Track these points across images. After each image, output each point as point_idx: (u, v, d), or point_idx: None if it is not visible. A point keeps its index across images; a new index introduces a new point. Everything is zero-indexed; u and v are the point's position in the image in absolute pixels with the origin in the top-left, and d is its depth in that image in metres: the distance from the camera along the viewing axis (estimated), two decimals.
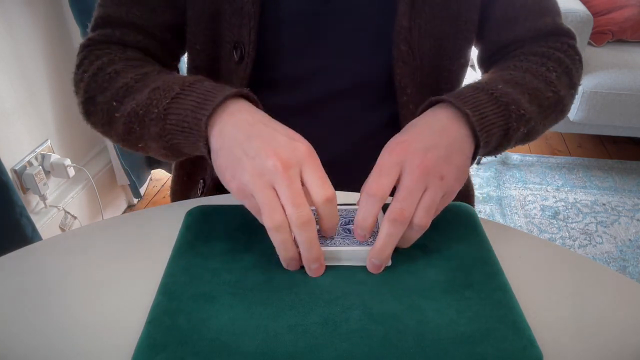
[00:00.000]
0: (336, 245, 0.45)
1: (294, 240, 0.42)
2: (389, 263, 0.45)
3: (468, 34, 0.62)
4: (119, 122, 0.51)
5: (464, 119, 0.48)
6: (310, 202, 0.42)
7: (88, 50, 0.58)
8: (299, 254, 0.43)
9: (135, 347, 0.37)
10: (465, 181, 0.48)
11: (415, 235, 0.44)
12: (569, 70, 0.60)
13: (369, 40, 0.61)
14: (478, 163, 2.08)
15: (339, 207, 0.46)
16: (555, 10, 0.64)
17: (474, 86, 0.51)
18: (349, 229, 0.47)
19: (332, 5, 0.59)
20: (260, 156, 0.41)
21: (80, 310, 0.42)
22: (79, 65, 0.58)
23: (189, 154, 0.51)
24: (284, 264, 0.44)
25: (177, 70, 0.68)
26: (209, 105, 0.45)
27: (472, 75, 2.44)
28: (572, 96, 0.60)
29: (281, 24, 0.60)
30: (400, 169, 0.44)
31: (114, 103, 0.52)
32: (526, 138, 0.55)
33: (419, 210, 0.43)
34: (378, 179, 0.43)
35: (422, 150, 0.44)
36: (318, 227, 0.44)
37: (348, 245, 0.45)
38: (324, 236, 0.45)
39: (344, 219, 0.48)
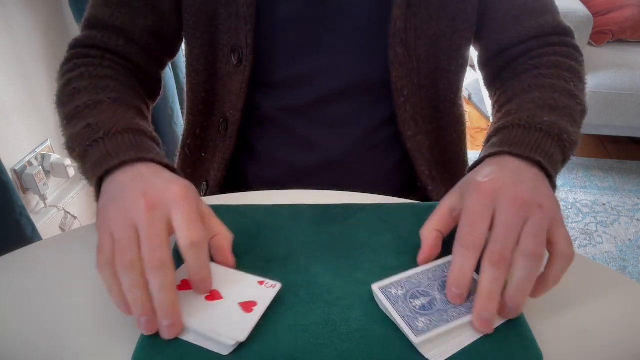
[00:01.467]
0: (452, 320, 0.38)
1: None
2: (499, 322, 0.39)
3: (465, 34, 0.62)
4: (64, 141, 0.53)
5: (530, 165, 0.44)
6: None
7: (71, 53, 0.60)
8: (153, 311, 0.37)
9: (135, 347, 0.37)
10: None
11: (532, 269, 0.37)
12: (581, 76, 0.60)
13: (365, 42, 0.61)
14: None
15: (426, 267, 0.42)
16: (554, 9, 0.64)
17: (517, 125, 0.49)
18: (422, 306, 0.39)
19: (327, 7, 0.59)
20: (131, 196, 0.40)
21: (80, 310, 0.42)
22: (62, 66, 0.60)
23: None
24: (138, 324, 0.37)
25: (160, 78, 0.68)
26: (105, 165, 0.45)
27: (472, 75, 2.44)
28: (586, 97, 0.59)
29: (277, 27, 0.60)
30: (493, 210, 0.39)
31: (65, 121, 0.53)
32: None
33: (523, 237, 0.38)
34: (472, 229, 0.39)
35: (512, 184, 0.40)
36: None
37: (461, 315, 0.38)
38: (436, 309, 0.38)
39: (437, 283, 0.41)
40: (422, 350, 0.36)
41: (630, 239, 1.66)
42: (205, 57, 0.63)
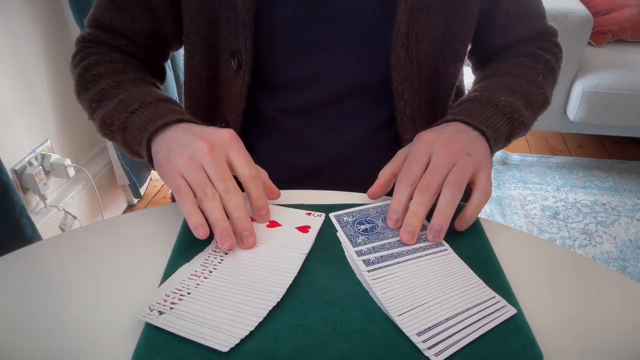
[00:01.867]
0: (386, 239, 0.47)
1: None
2: (445, 248, 0.46)
3: (463, 38, 0.63)
4: (96, 123, 0.60)
5: (476, 131, 0.54)
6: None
7: (81, 45, 0.65)
8: (228, 226, 0.45)
9: (135, 347, 0.37)
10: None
11: (454, 197, 0.46)
12: (553, 69, 0.67)
13: (365, 45, 0.61)
14: None
15: (377, 204, 0.52)
16: (541, 13, 0.69)
17: (477, 100, 0.58)
18: (365, 229, 0.48)
19: (327, 11, 0.59)
20: (190, 144, 0.47)
21: (80, 310, 0.42)
22: (73, 57, 0.65)
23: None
24: (217, 237, 0.44)
25: (164, 70, 0.73)
26: (151, 128, 0.52)
27: (471, 75, 2.44)
28: (553, 89, 0.67)
29: (276, 31, 0.60)
30: (429, 156, 0.49)
31: (93, 104, 0.59)
32: (520, 137, 0.62)
33: (450, 173, 0.47)
34: (410, 168, 0.48)
35: (447, 138, 0.50)
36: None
37: (395, 237, 0.47)
38: (375, 232, 0.48)
39: (383, 215, 0.50)
40: (389, 308, 0.40)
41: (630, 239, 1.66)
42: (207, 62, 0.63)
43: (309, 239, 0.47)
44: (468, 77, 0.73)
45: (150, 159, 0.53)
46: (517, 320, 0.39)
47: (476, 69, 0.74)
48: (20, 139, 1.30)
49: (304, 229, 0.48)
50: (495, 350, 0.36)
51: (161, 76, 0.73)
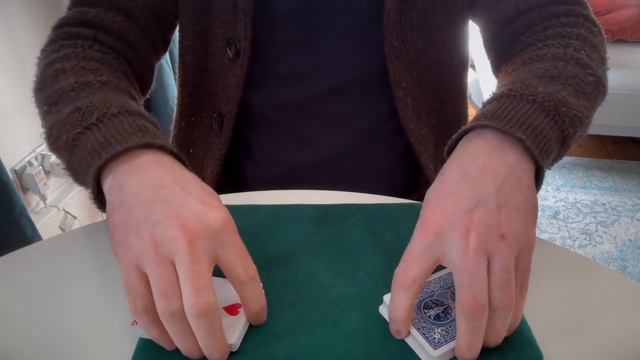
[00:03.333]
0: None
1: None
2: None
3: (462, 24, 0.62)
4: (44, 130, 0.46)
5: (511, 142, 0.39)
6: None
7: (56, 34, 0.54)
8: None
9: (135, 347, 0.37)
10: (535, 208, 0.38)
11: (503, 322, 0.34)
12: (595, 45, 0.51)
13: (361, 36, 0.60)
14: None
15: (438, 275, 0.41)
16: None
17: (507, 95, 0.42)
18: (437, 316, 0.38)
19: (323, 2, 0.58)
20: (164, 224, 0.34)
21: (80, 310, 0.42)
22: (42, 49, 0.53)
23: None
24: (183, 352, 0.35)
25: (153, 67, 0.63)
26: (105, 154, 0.39)
27: (472, 75, 2.44)
28: (606, 73, 0.51)
29: (274, 21, 0.59)
30: (439, 250, 0.35)
31: (45, 107, 0.47)
32: (581, 138, 0.47)
33: (493, 290, 0.33)
34: (405, 266, 0.36)
35: (462, 214, 0.35)
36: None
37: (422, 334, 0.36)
38: (451, 319, 0.37)
39: (451, 290, 0.40)
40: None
41: (630, 239, 1.66)
42: (194, 50, 0.62)
43: (238, 324, 0.37)
44: (469, 77, 0.72)
45: (99, 201, 0.41)
46: None
47: (495, 68, 0.61)
48: (20, 139, 1.30)
49: (233, 308, 0.38)
50: (495, 350, 0.36)
51: (146, 81, 0.61)
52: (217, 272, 0.36)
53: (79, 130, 0.41)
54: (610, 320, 0.41)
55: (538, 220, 1.73)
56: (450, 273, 0.38)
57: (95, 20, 0.54)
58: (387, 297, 0.38)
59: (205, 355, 0.35)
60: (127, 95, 0.49)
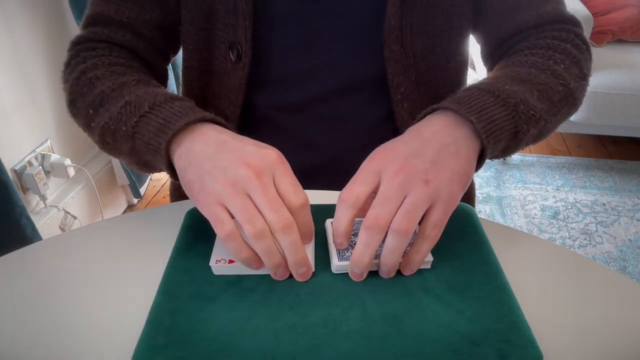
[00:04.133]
0: (377, 257, 0.43)
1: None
2: (411, 273, 0.43)
3: (462, 31, 0.62)
4: (95, 131, 0.52)
5: (463, 123, 0.46)
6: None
7: (76, 49, 0.59)
8: (284, 259, 0.41)
9: (135, 347, 0.37)
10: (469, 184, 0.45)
11: (399, 245, 0.40)
12: (577, 60, 0.57)
13: (361, 39, 0.61)
14: None
15: None
16: None
17: (477, 87, 0.49)
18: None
19: (323, 5, 0.59)
20: (231, 167, 0.41)
21: (80, 311, 0.42)
22: (66, 64, 0.59)
23: (163, 170, 0.49)
24: (271, 273, 0.42)
25: (166, 73, 0.68)
26: (170, 130, 0.45)
27: (472, 75, 2.44)
28: (584, 87, 0.57)
29: (274, 24, 0.60)
30: (379, 178, 0.42)
31: (90, 111, 0.52)
32: (538, 138, 0.53)
33: (397, 215, 0.40)
34: (352, 186, 0.42)
35: (402, 158, 0.42)
36: None
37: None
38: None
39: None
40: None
41: (630, 239, 1.66)
42: (199, 53, 0.63)
43: (308, 251, 0.44)
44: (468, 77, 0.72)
45: (171, 170, 0.47)
46: (517, 320, 0.39)
47: (488, 70, 0.67)
48: (20, 139, 1.30)
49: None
50: (495, 350, 0.36)
51: (163, 80, 0.68)
52: None
53: (135, 119, 0.47)
54: (610, 320, 0.41)
55: (538, 220, 1.73)
56: None
57: (108, 39, 0.59)
58: (329, 221, 0.47)
59: (292, 270, 0.41)
60: (160, 86, 0.54)
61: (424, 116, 0.49)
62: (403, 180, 0.41)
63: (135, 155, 0.49)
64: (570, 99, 0.54)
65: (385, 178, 0.41)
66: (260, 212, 0.39)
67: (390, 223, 0.40)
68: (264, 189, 0.40)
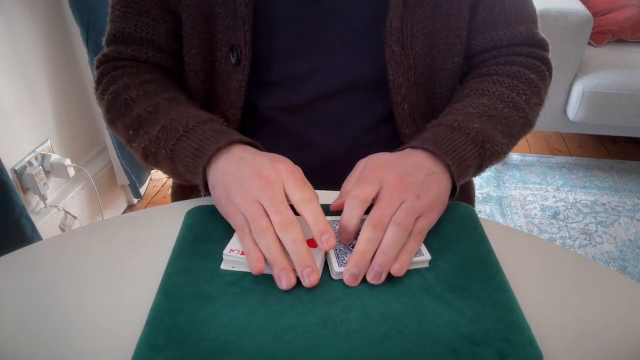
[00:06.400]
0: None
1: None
2: (402, 273, 0.43)
3: (460, 32, 0.63)
4: (137, 151, 0.57)
5: (443, 162, 0.51)
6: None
7: (104, 68, 0.63)
8: (290, 264, 0.42)
9: (135, 347, 0.37)
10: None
11: (399, 237, 0.43)
12: (538, 89, 0.62)
13: (362, 41, 0.61)
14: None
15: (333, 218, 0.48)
16: (531, 19, 0.65)
17: (451, 126, 0.54)
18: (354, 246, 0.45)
19: (323, 6, 0.59)
20: (247, 181, 0.46)
21: (80, 310, 0.42)
22: (98, 82, 0.63)
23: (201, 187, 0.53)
24: (276, 278, 0.42)
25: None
26: (205, 155, 0.50)
27: None
28: (539, 110, 0.63)
29: (274, 26, 0.60)
30: (380, 185, 0.46)
31: (130, 132, 0.57)
32: (493, 165, 0.58)
33: (398, 212, 0.44)
34: (362, 186, 0.46)
35: (399, 173, 0.48)
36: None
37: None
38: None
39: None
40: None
41: (630, 239, 1.66)
42: (202, 56, 0.63)
43: (318, 254, 0.44)
44: None
45: (206, 186, 0.52)
46: (517, 320, 0.39)
47: (460, 80, 0.69)
48: (20, 139, 1.30)
49: (313, 242, 0.44)
50: (495, 350, 0.36)
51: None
52: None
53: (172, 142, 0.53)
54: (610, 320, 0.41)
55: (538, 220, 1.73)
56: None
57: (132, 57, 0.63)
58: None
59: (297, 270, 0.42)
60: (189, 103, 0.60)
61: (404, 149, 0.53)
62: (401, 190, 0.46)
63: (176, 174, 0.56)
64: (527, 128, 0.61)
65: (386, 186, 0.46)
66: (268, 215, 0.44)
67: (390, 221, 0.44)
68: (272, 195, 0.44)
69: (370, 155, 0.53)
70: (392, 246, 0.43)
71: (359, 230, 0.44)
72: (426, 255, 0.44)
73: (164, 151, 0.53)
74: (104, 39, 0.65)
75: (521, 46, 0.64)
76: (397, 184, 0.46)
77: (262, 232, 0.43)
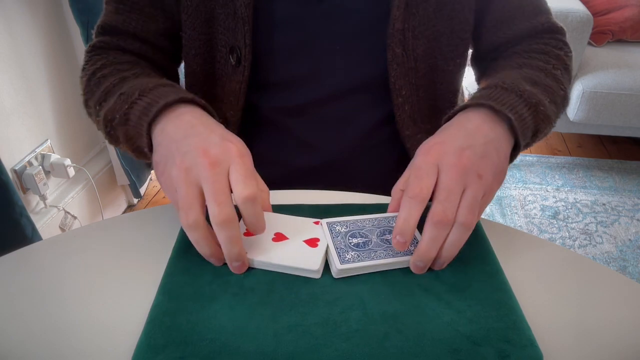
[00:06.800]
0: (378, 258, 0.43)
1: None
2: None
3: (463, 34, 0.63)
4: (100, 125, 0.55)
5: (500, 120, 0.48)
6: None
7: (89, 55, 0.62)
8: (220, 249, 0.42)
9: (135, 347, 0.37)
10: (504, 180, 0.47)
11: (462, 237, 0.42)
12: (567, 66, 0.61)
13: (363, 42, 0.61)
14: None
15: (374, 216, 0.47)
16: (547, 9, 0.64)
17: (501, 87, 0.50)
18: (387, 240, 0.45)
19: (324, 8, 0.59)
20: (191, 153, 0.42)
21: (80, 310, 0.42)
22: (82, 69, 0.62)
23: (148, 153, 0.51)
24: (206, 258, 0.43)
25: (177, 74, 0.69)
26: (151, 111, 0.47)
27: (472, 74, 2.44)
28: (570, 91, 0.62)
29: (274, 28, 0.60)
30: (437, 170, 0.43)
31: (97, 107, 0.55)
32: (542, 138, 0.56)
33: (461, 208, 0.41)
34: (419, 181, 0.42)
35: (457, 150, 0.44)
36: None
37: (387, 257, 0.43)
38: (367, 249, 0.44)
39: (379, 229, 0.46)
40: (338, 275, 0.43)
41: (630, 239, 1.66)
42: (202, 58, 0.63)
43: (318, 254, 0.43)
44: (467, 76, 0.73)
45: (151, 149, 0.49)
46: (517, 320, 0.39)
47: (481, 73, 0.70)
48: (20, 139, 1.30)
49: (313, 242, 0.44)
50: (495, 350, 0.36)
51: (175, 81, 0.69)
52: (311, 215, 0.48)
53: (126, 106, 0.49)
54: (610, 320, 0.41)
55: (538, 220, 1.73)
56: (386, 217, 0.47)
57: (117, 47, 0.62)
58: (325, 221, 0.46)
59: (227, 261, 0.42)
60: (159, 77, 0.56)
61: (456, 113, 0.50)
62: (461, 173, 0.42)
63: (130, 142, 0.51)
64: (566, 102, 0.58)
65: (444, 171, 0.43)
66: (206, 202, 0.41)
67: (456, 217, 0.41)
68: (214, 179, 0.40)
69: (423, 144, 0.48)
70: (453, 247, 0.42)
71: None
72: (419, 237, 0.44)
73: (118, 116, 0.50)
74: (93, 32, 0.65)
75: (543, 34, 0.63)
76: (455, 167, 0.42)
77: (192, 226, 0.40)
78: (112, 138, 0.55)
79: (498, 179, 0.45)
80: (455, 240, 0.42)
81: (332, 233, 0.45)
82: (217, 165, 0.41)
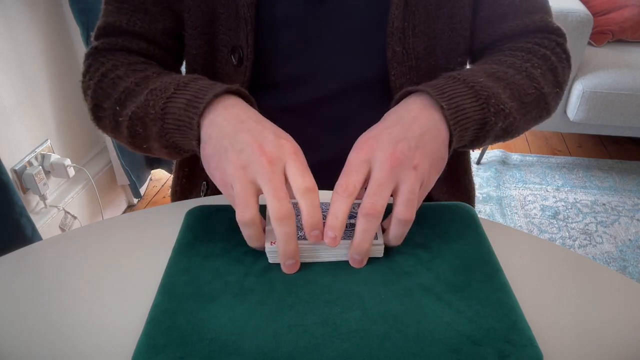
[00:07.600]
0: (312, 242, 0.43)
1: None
2: (380, 254, 0.45)
3: (463, 32, 0.63)
4: (123, 125, 0.53)
5: (439, 108, 0.47)
6: (292, 195, 0.42)
7: (93, 58, 0.60)
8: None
9: (135, 347, 0.37)
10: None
11: (404, 230, 0.43)
12: (554, 68, 0.59)
13: (364, 41, 0.61)
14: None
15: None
16: (545, 8, 0.62)
17: (453, 77, 0.50)
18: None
19: (326, 7, 0.59)
20: (246, 150, 0.42)
21: (80, 311, 0.42)
22: (85, 73, 0.60)
23: (189, 150, 0.51)
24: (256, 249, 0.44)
25: (180, 73, 0.68)
26: (201, 103, 0.46)
27: None
28: (558, 95, 0.59)
29: (276, 27, 0.60)
30: (370, 166, 0.43)
31: (117, 108, 0.53)
32: (505, 134, 0.54)
33: (398, 205, 0.42)
34: (347, 177, 0.43)
35: (391, 144, 0.43)
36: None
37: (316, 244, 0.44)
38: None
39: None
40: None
41: (630, 239, 1.66)
42: (203, 57, 0.63)
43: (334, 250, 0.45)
44: None
45: (200, 144, 0.48)
46: (517, 320, 0.39)
47: None
48: (20, 139, 1.30)
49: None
50: (495, 350, 0.36)
51: None
52: None
53: (163, 101, 0.48)
54: (611, 320, 0.41)
55: (538, 220, 1.73)
56: (326, 204, 0.46)
57: (123, 47, 0.60)
58: (270, 246, 0.44)
59: (280, 260, 0.42)
60: (181, 75, 0.54)
61: (400, 99, 0.51)
62: (394, 167, 0.42)
63: (164, 138, 0.50)
64: (542, 104, 0.56)
65: (376, 166, 0.43)
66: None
67: (393, 212, 0.42)
68: (272, 176, 0.41)
69: (365, 132, 0.48)
70: (399, 238, 0.44)
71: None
72: (380, 240, 0.45)
73: (152, 111, 0.49)
74: (92, 35, 0.62)
75: (535, 34, 0.62)
76: (387, 161, 0.42)
77: (248, 223, 0.41)
78: (139, 137, 0.53)
79: (437, 167, 0.46)
80: (398, 235, 0.43)
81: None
82: (274, 163, 0.42)
